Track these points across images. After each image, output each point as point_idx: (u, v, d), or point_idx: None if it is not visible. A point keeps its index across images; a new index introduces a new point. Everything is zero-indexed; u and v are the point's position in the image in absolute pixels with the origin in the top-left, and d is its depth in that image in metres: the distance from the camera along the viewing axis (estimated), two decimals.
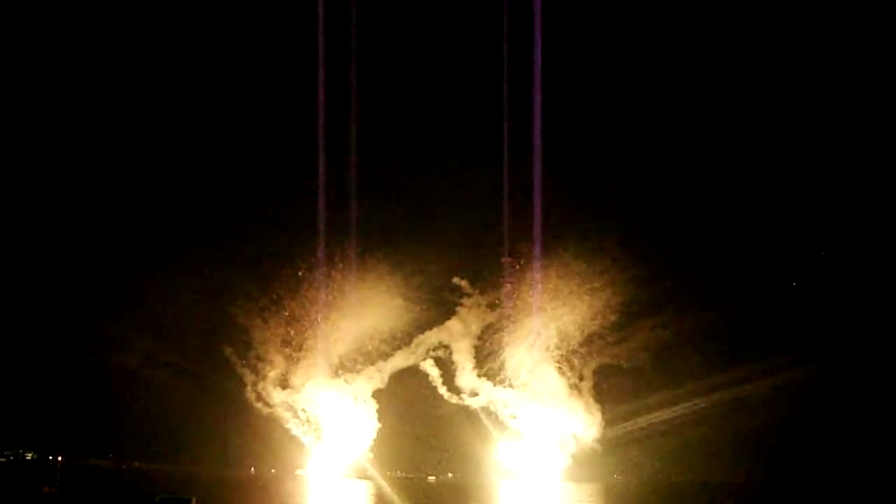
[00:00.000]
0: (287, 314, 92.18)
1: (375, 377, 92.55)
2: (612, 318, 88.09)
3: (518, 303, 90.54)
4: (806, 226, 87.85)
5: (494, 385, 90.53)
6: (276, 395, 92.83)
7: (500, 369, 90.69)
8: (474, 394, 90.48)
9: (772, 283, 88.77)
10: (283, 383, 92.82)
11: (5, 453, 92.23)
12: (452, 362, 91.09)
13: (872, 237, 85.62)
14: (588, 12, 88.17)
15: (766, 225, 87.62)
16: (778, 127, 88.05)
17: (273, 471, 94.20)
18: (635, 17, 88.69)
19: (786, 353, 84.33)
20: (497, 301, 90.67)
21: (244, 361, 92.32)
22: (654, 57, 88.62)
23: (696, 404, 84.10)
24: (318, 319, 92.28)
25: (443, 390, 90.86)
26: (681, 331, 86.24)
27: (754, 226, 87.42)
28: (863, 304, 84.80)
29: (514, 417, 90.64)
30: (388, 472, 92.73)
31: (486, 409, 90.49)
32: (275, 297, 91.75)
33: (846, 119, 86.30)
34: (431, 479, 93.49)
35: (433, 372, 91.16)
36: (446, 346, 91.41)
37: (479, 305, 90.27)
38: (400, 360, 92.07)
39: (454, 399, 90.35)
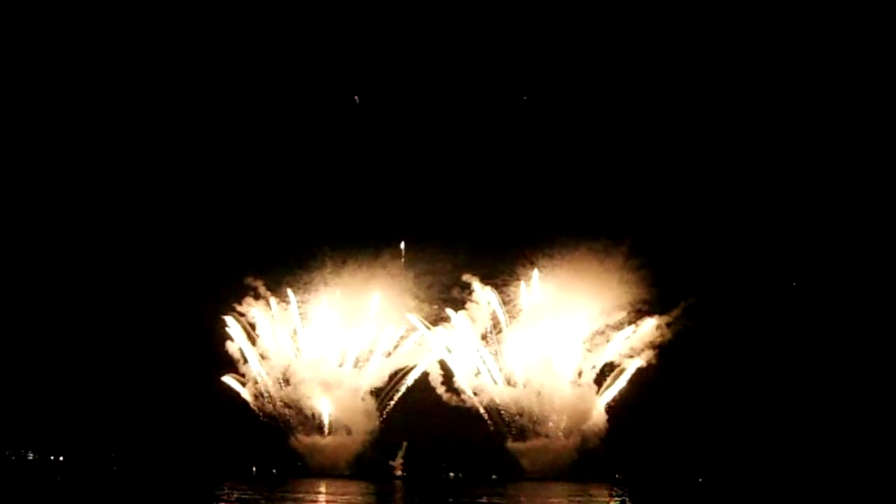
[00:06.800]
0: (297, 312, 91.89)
1: (378, 375, 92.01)
2: (620, 316, 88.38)
3: (525, 300, 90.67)
4: (808, 226, 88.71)
5: (498, 383, 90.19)
6: (278, 394, 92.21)
7: (504, 367, 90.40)
8: (477, 392, 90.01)
9: (775, 282, 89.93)
10: (286, 382, 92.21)
11: (6, 453, 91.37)
12: (456, 360, 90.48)
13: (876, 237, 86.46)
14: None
15: (771, 224, 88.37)
16: (781, 127, 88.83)
17: (274, 471, 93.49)
18: (640, 17, 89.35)
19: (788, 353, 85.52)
20: (505, 298, 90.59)
21: (246, 359, 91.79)
22: (661, 57, 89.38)
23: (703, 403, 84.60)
24: (326, 318, 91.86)
25: (443, 389, 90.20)
26: (687, 330, 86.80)
27: (761, 225, 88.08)
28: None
29: (518, 416, 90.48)
30: (390, 472, 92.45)
31: (489, 408, 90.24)
32: (284, 294, 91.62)
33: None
34: (432, 478, 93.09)
35: (436, 370, 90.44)
36: (450, 345, 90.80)
37: (487, 303, 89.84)
38: (403, 359, 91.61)
39: (456, 398, 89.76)
